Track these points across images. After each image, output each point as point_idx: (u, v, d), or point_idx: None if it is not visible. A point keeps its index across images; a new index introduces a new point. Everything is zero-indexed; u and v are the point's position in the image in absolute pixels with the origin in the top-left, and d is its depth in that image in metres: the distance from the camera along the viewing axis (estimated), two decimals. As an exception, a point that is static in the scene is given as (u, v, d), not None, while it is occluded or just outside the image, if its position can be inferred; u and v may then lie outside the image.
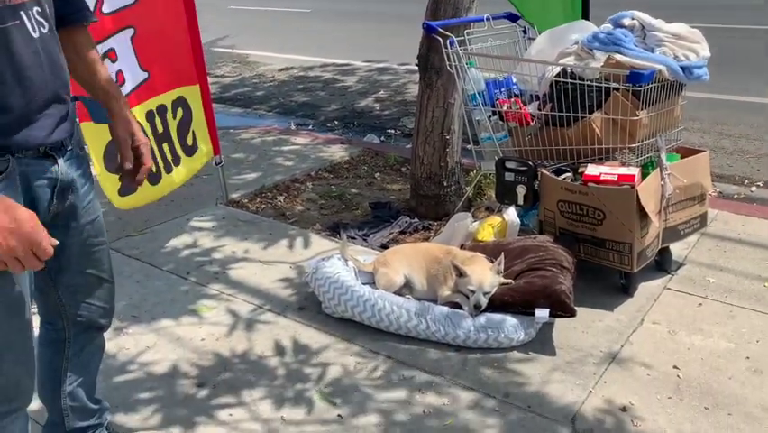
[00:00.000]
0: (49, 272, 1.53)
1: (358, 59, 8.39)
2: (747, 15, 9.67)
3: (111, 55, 2.94)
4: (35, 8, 1.32)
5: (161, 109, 3.28)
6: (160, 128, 3.27)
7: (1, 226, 1.16)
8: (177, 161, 3.40)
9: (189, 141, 3.48)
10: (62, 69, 1.42)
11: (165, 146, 3.32)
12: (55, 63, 1.38)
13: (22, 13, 1.28)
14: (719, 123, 5.24)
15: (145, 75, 3.15)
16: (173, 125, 3.35)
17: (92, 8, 1.61)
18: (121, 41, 2.98)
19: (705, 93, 5.32)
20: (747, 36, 8.20)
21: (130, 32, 3.01)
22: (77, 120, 1.51)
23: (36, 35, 1.32)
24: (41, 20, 1.34)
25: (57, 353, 1.67)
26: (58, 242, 1.27)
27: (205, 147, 3.57)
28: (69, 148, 1.46)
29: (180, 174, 3.43)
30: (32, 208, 1.37)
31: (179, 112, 3.38)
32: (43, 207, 1.42)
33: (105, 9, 2.87)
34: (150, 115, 3.21)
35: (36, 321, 1.53)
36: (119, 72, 2.99)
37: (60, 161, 1.43)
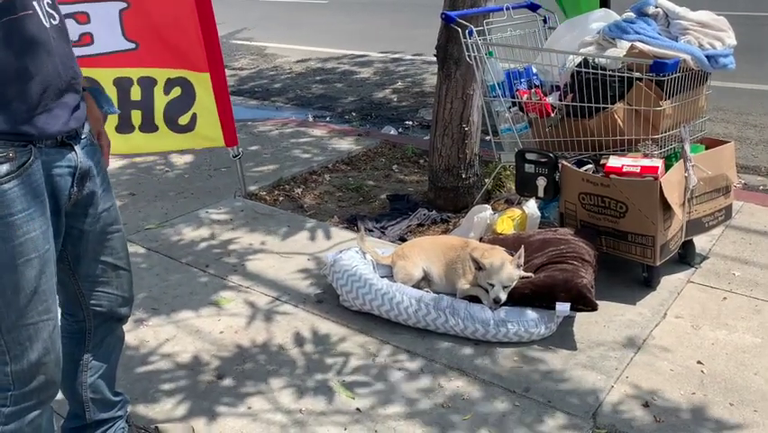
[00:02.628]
0: (68, 262, 1.55)
1: (375, 50, 8.35)
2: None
3: (80, 17, 3.18)
4: (46, 0, 1.35)
5: (146, 81, 3.45)
6: (135, 96, 3.46)
7: None
8: (149, 128, 3.53)
9: (183, 121, 3.57)
10: (73, 59, 1.44)
11: (134, 112, 3.49)
12: (66, 53, 1.41)
13: (34, 3, 1.31)
14: (744, 112, 5.14)
15: (131, 45, 3.35)
16: (161, 99, 3.50)
17: None
18: (102, 10, 3.21)
19: (729, 82, 5.22)
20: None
21: (120, 4, 3.24)
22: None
23: (48, 25, 1.34)
24: (52, 12, 1.37)
25: (78, 344, 1.68)
26: None
27: (211, 133, 3.61)
28: (84, 136, 1.49)
29: (150, 142, 3.59)
30: (54, 198, 1.41)
31: (176, 91, 3.51)
32: (64, 195, 1.44)
33: None
34: (122, 81, 3.42)
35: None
36: (86, 34, 3.22)
37: (78, 149, 1.45)
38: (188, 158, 4.55)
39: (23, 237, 1.32)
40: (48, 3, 1.35)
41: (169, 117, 3.53)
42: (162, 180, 4.14)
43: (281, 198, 3.85)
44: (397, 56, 8.04)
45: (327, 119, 5.84)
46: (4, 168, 1.28)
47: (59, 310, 1.57)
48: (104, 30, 3.22)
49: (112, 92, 3.40)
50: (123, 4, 3.24)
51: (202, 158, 4.53)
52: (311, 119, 5.77)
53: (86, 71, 3.36)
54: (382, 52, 8.24)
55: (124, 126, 3.48)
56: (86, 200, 1.51)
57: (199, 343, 2.48)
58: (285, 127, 5.24)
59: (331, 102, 6.41)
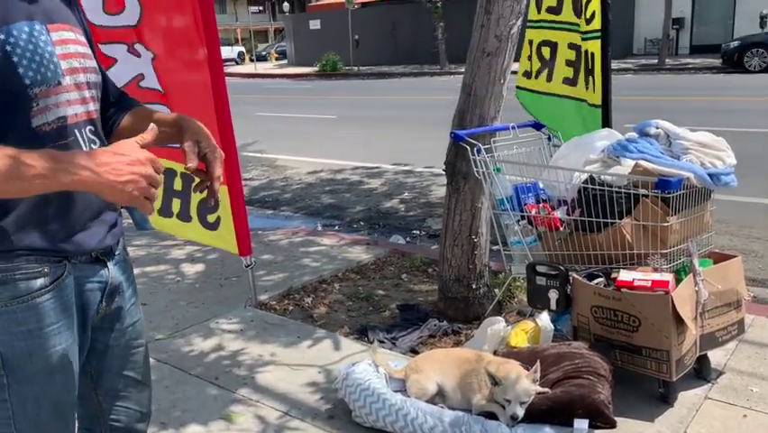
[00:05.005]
0: (90, 376, 1.55)
1: (382, 163, 8.62)
2: (760, 120, 9.87)
3: None
4: (88, 127, 1.41)
5: (186, 176, 3.76)
6: (177, 186, 3.82)
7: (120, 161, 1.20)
8: (185, 218, 3.84)
9: (211, 219, 3.79)
10: None
11: (175, 200, 3.84)
12: None
13: (75, 131, 1.37)
14: (747, 226, 5.22)
15: (176, 144, 3.73)
16: (196, 195, 3.76)
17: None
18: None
19: (731, 196, 5.32)
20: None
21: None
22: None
23: (87, 150, 1.38)
24: (93, 137, 1.42)
25: None
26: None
27: (230, 239, 3.72)
28: (117, 252, 1.52)
29: (184, 230, 3.94)
30: (83, 312, 1.42)
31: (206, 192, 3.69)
32: (93, 310, 1.45)
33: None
34: (168, 172, 3.74)
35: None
36: None
37: (110, 265, 1.48)
38: (199, 267, 4.60)
39: (50, 351, 1.34)
40: (90, 129, 1.41)
41: (200, 212, 3.78)
42: (174, 290, 4.17)
43: (291, 308, 3.86)
44: (404, 168, 8.29)
45: (336, 228, 5.94)
46: (39, 282, 1.31)
47: (77, 424, 1.56)
48: None
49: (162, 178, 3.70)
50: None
51: (213, 267, 4.58)
52: (320, 228, 5.87)
53: None
54: (390, 164, 8.50)
55: (166, 211, 3.86)
56: (113, 315, 1.52)
57: (208, 460, 2.42)
58: (295, 236, 5.33)
59: (339, 211, 6.54)
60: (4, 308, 1.28)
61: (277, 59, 37.47)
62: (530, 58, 3.96)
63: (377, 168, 8.41)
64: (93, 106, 1.42)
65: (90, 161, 1.19)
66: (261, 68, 32.39)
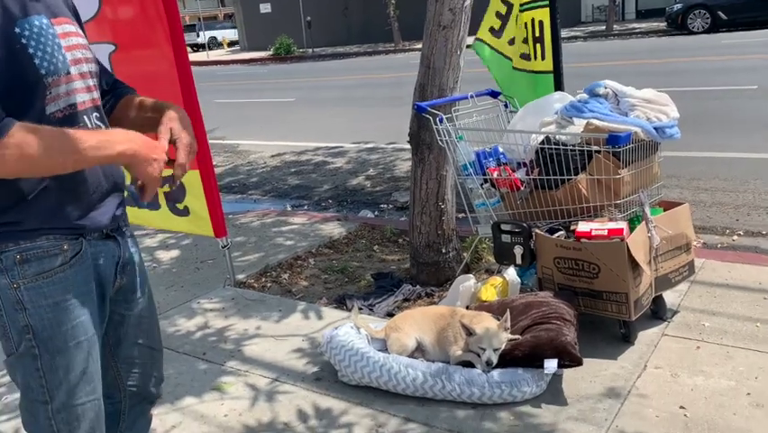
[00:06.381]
0: (109, 346, 1.66)
1: (344, 142, 8.71)
2: (703, 79, 10.26)
3: None
4: (94, 113, 1.52)
5: None
6: None
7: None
8: (152, 205, 3.88)
9: (180, 206, 3.84)
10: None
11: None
12: None
13: (84, 117, 1.48)
14: (695, 178, 5.53)
15: None
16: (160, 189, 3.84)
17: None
18: None
19: (679, 152, 5.63)
20: (711, 97, 8.68)
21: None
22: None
23: None
24: (99, 123, 1.53)
25: (111, 427, 1.74)
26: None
27: (202, 222, 3.80)
28: (125, 229, 1.64)
29: (151, 217, 3.96)
30: (101, 286, 1.55)
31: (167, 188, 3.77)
32: (109, 283, 1.57)
33: None
34: None
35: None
36: None
37: (120, 240, 1.60)
38: (174, 253, 4.68)
39: (75, 321, 1.45)
40: (96, 115, 1.52)
41: (167, 198, 3.82)
42: (151, 276, 4.19)
43: (269, 285, 3.98)
44: (366, 146, 8.40)
45: (305, 208, 6.05)
46: (60, 259, 1.43)
47: None
48: None
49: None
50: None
51: (187, 252, 4.66)
52: (290, 209, 5.97)
53: None
54: (353, 143, 8.60)
55: (132, 200, 3.83)
56: (126, 287, 1.63)
57: (205, 427, 2.55)
58: (266, 218, 5.43)
59: (307, 191, 6.65)
60: (31, 284, 1.41)
61: (229, 45, 36.92)
62: (497, 15, 4.12)
63: (340, 147, 8.51)
64: (96, 94, 1.54)
65: (129, 135, 1.42)
66: (214, 55, 31.90)
